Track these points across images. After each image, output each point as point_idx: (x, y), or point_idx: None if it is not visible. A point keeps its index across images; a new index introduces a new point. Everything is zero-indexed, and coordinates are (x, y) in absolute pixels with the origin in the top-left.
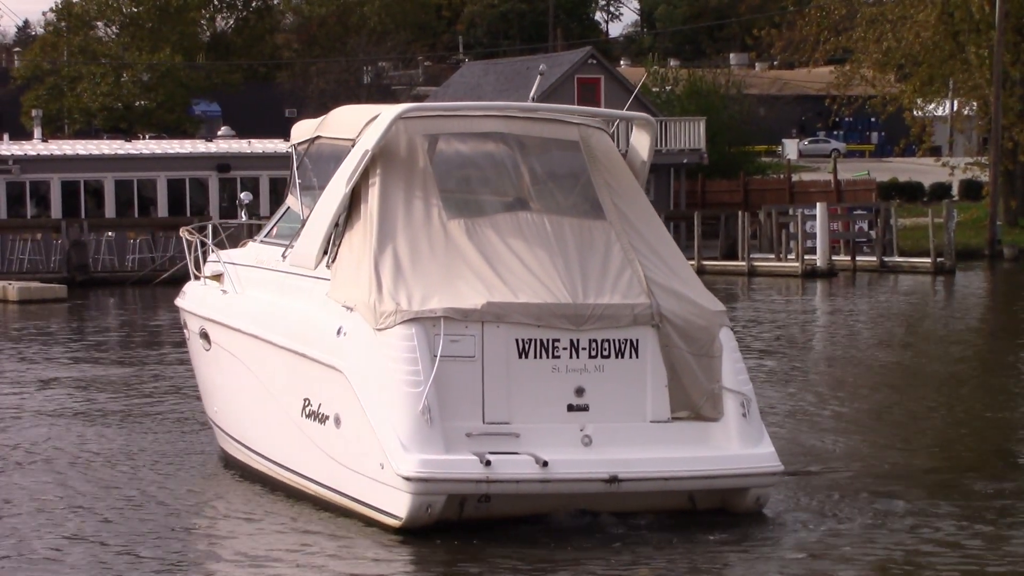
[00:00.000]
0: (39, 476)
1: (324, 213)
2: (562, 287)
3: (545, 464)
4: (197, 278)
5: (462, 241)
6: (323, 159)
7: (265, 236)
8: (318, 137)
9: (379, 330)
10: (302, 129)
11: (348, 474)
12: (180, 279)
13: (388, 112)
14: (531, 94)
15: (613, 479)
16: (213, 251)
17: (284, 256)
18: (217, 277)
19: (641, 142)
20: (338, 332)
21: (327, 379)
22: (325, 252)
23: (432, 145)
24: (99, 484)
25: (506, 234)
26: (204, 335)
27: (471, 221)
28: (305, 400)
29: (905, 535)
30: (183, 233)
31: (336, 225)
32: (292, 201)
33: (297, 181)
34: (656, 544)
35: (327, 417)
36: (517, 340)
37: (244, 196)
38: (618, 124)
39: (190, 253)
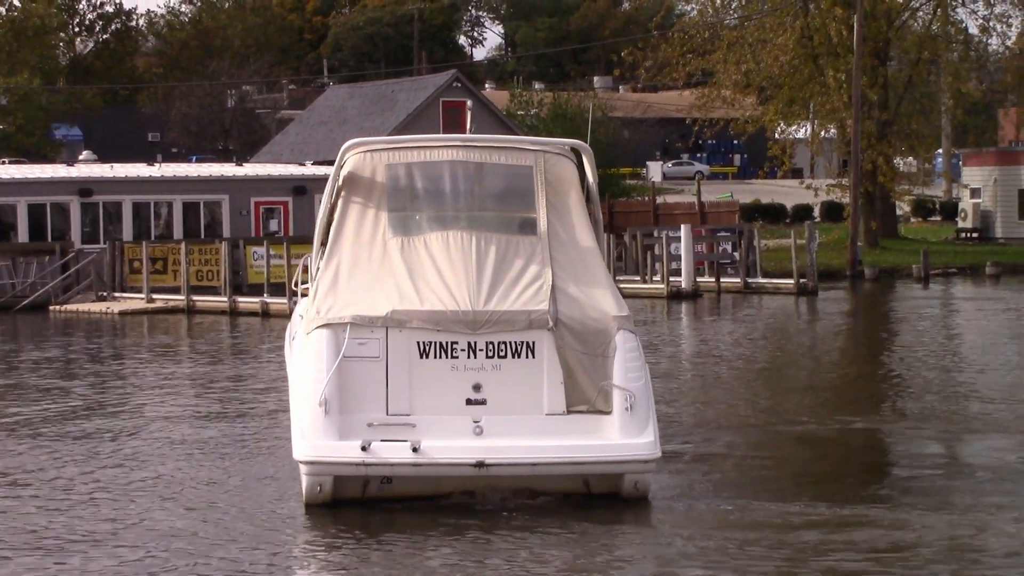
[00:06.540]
0: None
1: (317, 233)
2: (467, 296)
3: (415, 450)
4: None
5: (395, 257)
6: None
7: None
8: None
9: (307, 335)
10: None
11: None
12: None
13: (344, 146)
14: (467, 127)
15: (480, 464)
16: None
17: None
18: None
19: (585, 166)
20: (293, 338)
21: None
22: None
23: (392, 172)
24: None
25: (435, 250)
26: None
27: (408, 239)
28: (290, 394)
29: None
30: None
31: (321, 244)
32: None
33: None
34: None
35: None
36: (419, 343)
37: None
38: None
39: (300, 272)
